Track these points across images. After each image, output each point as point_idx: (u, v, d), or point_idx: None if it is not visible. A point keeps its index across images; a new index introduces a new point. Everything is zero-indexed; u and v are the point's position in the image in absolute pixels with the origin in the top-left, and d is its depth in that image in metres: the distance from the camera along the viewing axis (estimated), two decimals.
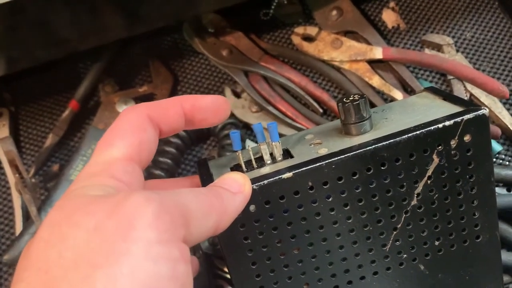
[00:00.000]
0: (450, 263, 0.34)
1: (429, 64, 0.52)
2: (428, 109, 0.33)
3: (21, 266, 0.22)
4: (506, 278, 0.43)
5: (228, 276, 0.40)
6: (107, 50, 0.58)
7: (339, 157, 0.30)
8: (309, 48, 0.55)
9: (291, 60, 0.57)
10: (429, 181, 0.32)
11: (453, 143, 0.31)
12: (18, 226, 0.50)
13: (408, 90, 0.53)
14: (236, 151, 0.31)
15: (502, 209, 0.44)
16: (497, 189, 0.46)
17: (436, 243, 0.33)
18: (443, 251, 0.34)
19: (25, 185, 0.49)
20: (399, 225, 0.32)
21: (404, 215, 0.32)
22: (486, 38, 0.56)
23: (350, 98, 0.32)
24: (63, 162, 0.54)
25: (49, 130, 0.56)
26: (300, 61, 0.56)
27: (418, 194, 0.32)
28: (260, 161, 0.32)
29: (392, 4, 0.58)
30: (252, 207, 0.30)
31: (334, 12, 0.57)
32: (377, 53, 0.53)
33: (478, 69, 0.54)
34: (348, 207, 0.31)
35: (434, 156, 0.31)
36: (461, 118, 0.30)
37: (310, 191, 0.30)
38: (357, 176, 0.31)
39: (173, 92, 0.57)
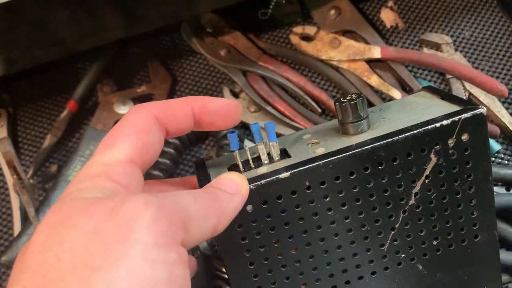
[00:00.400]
0: (448, 263, 0.34)
1: (427, 63, 0.52)
2: (425, 108, 0.33)
3: (17, 268, 0.22)
4: (505, 277, 0.43)
5: (226, 276, 0.40)
6: (105, 50, 0.58)
7: (336, 157, 0.30)
8: (307, 47, 0.55)
9: (290, 59, 0.56)
10: (427, 181, 0.31)
11: (451, 142, 0.31)
12: (16, 227, 0.50)
13: (406, 89, 0.53)
14: (234, 151, 0.31)
15: (501, 208, 0.44)
16: (496, 188, 0.46)
17: (434, 242, 0.33)
18: (441, 250, 0.34)
19: (23, 186, 0.49)
20: (397, 225, 0.32)
21: (402, 215, 0.32)
22: (485, 37, 0.56)
23: (348, 98, 0.32)
24: (61, 162, 0.54)
25: (47, 131, 0.56)
26: (299, 60, 0.56)
27: (416, 194, 0.32)
28: (258, 161, 0.32)
29: (390, 3, 0.58)
30: (249, 207, 0.30)
31: (333, 12, 0.57)
32: (376, 52, 0.53)
33: (477, 68, 0.54)
34: (346, 207, 0.31)
35: (432, 156, 0.31)
36: (458, 117, 0.30)
37: (308, 191, 0.30)
38: (354, 175, 0.30)
39: (171, 92, 0.57)
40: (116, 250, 0.21)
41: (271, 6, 0.56)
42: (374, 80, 0.53)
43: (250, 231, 0.31)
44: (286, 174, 0.30)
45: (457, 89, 0.52)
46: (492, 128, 0.49)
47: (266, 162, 0.31)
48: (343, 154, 0.30)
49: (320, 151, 0.31)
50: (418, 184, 0.31)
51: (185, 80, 0.58)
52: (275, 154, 0.31)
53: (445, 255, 0.34)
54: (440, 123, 0.30)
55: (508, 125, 0.49)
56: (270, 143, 0.31)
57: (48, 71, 0.59)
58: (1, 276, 0.50)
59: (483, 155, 0.32)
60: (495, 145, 0.49)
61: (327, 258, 0.32)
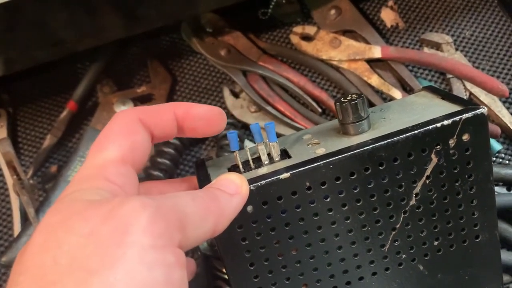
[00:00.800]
0: (449, 263, 0.34)
1: (428, 63, 0.52)
2: (426, 108, 0.33)
3: (16, 270, 0.22)
4: (506, 277, 0.43)
5: (227, 277, 0.40)
6: (105, 50, 0.58)
7: (336, 157, 0.30)
8: (307, 47, 0.55)
9: (290, 59, 0.56)
10: (427, 181, 0.31)
11: (451, 142, 0.31)
12: (16, 228, 0.50)
13: (407, 89, 0.53)
14: (234, 152, 0.31)
15: (502, 209, 0.43)
16: (497, 188, 0.46)
17: (435, 243, 0.33)
18: (442, 251, 0.34)
19: (23, 187, 0.49)
20: (398, 225, 0.32)
21: (403, 215, 0.32)
22: (486, 37, 0.56)
23: (348, 98, 0.32)
24: (61, 163, 0.54)
25: (47, 131, 0.56)
26: (299, 60, 0.56)
27: (416, 194, 0.32)
28: (258, 162, 0.32)
29: (390, 3, 0.58)
30: (249, 208, 0.30)
31: (333, 11, 0.57)
32: (376, 52, 0.53)
33: (477, 67, 0.54)
34: (346, 207, 0.31)
35: (433, 156, 0.31)
36: (459, 117, 0.30)
37: (308, 192, 0.30)
38: (355, 176, 0.30)
39: (171, 92, 0.57)
40: (113, 253, 0.21)
41: (271, 6, 0.56)
42: (374, 80, 0.53)
43: (250, 232, 0.30)
44: (286, 175, 0.30)
45: (458, 88, 0.52)
46: (493, 128, 0.49)
47: (266, 162, 0.31)
48: (344, 155, 0.30)
49: (321, 151, 0.31)
50: (419, 185, 0.31)
51: (185, 80, 0.57)
52: (276, 155, 0.31)
53: (446, 256, 0.34)
54: (441, 123, 0.30)
55: (509, 125, 0.49)
56: (270, 143, 0.31)
57: (48, 71, 0.59)
58: (1, 277, 0.50)
59: (484, 155, 0.32)
60: (496, 145, 0.49)
61: (328, 258, 0.32)
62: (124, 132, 0.27)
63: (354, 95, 0.32)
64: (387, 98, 0.52)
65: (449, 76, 0.52)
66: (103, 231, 0.21)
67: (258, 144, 0.31)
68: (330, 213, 0.31)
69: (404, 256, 0.33)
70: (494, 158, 0.50)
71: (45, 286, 0.21)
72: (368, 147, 0.30)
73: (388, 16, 0.57)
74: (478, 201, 0.33)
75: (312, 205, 0.31)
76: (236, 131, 0.31)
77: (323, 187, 0.30)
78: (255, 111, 0.54)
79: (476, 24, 0.56)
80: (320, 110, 0.53)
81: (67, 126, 0.55)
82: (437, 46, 0.55)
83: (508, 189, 0.46)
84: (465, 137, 0.31)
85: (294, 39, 0.56)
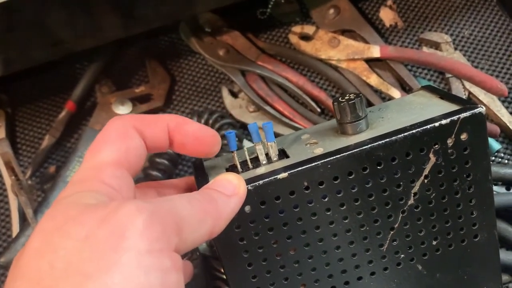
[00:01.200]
0: (448, 263, 0.34)
1: (427, 63, 0.52)
2: (424, 108, 0.33)
3: (12, 275, 0.22)
4: (505, 277, 0.43)
5: (225, 277, 0.40)
6: (103, 50, 0.58)
7: (334, 157, 0.30)
8: (306, 47, 0.55)
9: (289, 59, 0.56)
10: (426, 180, 0.31)
11: (449, 141, 0.31)
12: (15, 228, 0.50)
13: (406, 88, 0.53)
14: (232, 152, 0.31)
15: (501, 208, 0.43)
16: (496, 188, 0.46)
17: (434, 242, 0.33)
18: (441, 250, 0.33)
19: (22, 187, 0.49)
20: (396, 225, 0.32)
21: (401, 215, 0.32)
22: (485, 36, 0.55)
23: (346, 97, 0.32)
24: (59, 163, 0.54)
25: (45, 132, 0.56)
26: (298, 60, 0.56)
27: (415, 194, 0.32)
28: (256, 162, 0.31)
29: (389, 2, 0.58)
30: (247, 208, 0.30)
31: (332, 11, 0.57)
32: (375, 51, 0.53)
33: (476, 67, 0.54)
34: (345, 207, 0.31)
35: (431, 155, 0.31)
36: (457, 116, 0.30)
37: (306, 191, 0.30)
38: (353, 175, 0.30)
39: (170, 92, 0.57)
40: (109, 257, 0.21)
41: (269, 6, 0.56)
42: (373, 80, 0.53)
43: (249, 232, 0.30)
44: (284, 175, 0.29)
45: (457, 88, 0.52)
46: (492, 127, 0.49)
47: (264, 162, 0.31)
48: (342, 154, 0.30)
49: (319, 151, 0.31)
50: (417, 184, 0.31)
51: (184, 80, 0.57)
52: (273, 155, 0.31)
53: (444, 255, 0.34)
54: (439, 122, 0.30)
55: (508, 124, 0.49)
56: (268, 143, 0.31)
57: (47, 72, 0.58)
58: (0, 278, 0.50)
59: (482, 155, 0.31)
60: (495, 144, 0.49)
61: (326, 258, 0.32)
62: (120, 137, 0.27)
63: (352, 95, 0.32)
64: (386, 98, 0.52)
65: (448, 75, 0.52)
66: (99, 236, 0.21)
67: (256, 144, 0.31)
68: (328, 213, 0.31)
69: (402, 255, 0.33)
70: (493, 158, 0.50)
71: None
72: (366, 147, 0.30)
73: (387, 16, 0.57)
74: (476, 201, 0.33)
75: (310, 205, 0.31)
76: (234, 131, 0.31)
77: (321, 186, 0.30)
78: (253, 110, 0.54)
79: (475, 24, 0.56)
80: (319, 109, 0.53)
81: (65, 127, 0.55)
82: (436, 46, 0.55)
83: (507, 189, 0.46)
84: (463, 136, 0.31)
85: (293, 38, 0.56)
